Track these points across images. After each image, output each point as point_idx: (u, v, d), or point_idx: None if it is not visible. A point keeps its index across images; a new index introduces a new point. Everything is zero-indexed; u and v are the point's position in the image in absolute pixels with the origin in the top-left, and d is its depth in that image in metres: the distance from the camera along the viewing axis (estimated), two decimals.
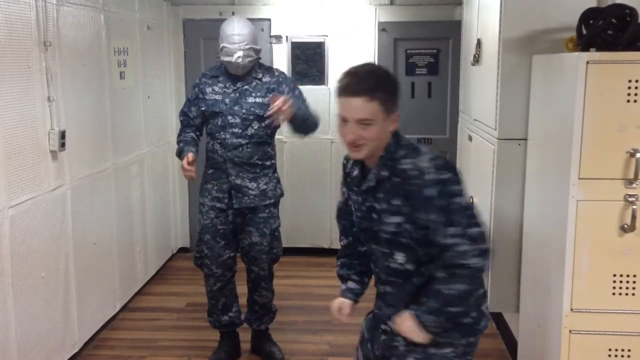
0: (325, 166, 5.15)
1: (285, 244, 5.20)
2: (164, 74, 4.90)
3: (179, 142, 3.30)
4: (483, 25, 3.44)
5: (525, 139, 3.01)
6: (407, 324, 1.91)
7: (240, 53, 3.12)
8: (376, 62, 4.95)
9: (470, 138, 3.82)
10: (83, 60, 3.51)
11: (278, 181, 3.41)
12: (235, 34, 3.13)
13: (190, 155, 3.10)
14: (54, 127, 3.16)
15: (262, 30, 5.04)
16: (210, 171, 3.32)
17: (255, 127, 3.23)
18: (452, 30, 4.74)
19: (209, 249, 3.34)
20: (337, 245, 5.12)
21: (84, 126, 3.53)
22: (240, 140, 3.21)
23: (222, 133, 3.22)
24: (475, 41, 3.55)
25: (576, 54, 2.38)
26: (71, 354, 3.42)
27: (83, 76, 3.52)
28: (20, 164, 2.89)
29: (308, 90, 5.02)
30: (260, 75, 3.27)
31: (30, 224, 2.98)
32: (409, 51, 4.95)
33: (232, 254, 3.39)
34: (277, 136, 5.03)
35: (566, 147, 2.35)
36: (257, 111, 3.20)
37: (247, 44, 3.14)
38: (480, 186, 3.49)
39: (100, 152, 3.76)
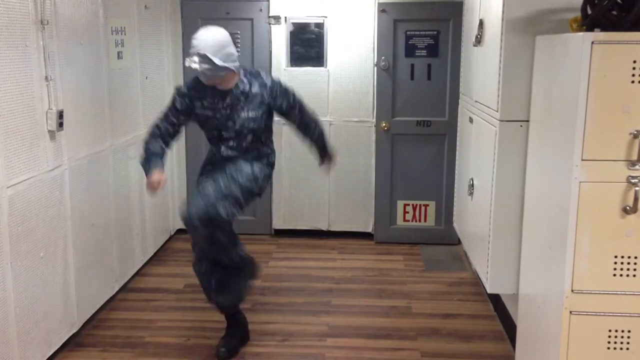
0: None
1: (283, 226, 5.29)
2: (161, 54, 4.85)
3: (146, 149, 3.20)
4: (485, 5, 3.40)
5: (528, 121, 2.99)
6: None
7: (195, 59, 3.01)
8: (376, 44, 4.92)
9: (471, 120, 3.80)
10: (80, 40, 3.47)
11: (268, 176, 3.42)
12: (196, 39, 3.05)
13: (157, 175, 3.07)
14: (52, 106, 3.13)
15: (261, 10, 5.00)
16: (209, 167, 3.38)
17: (250, 139, 3.24)
18: (453, 11, 4.70)
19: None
20: (335, 227, 5.20)
21: (82, 106, 3.50)
22: (235, 152, 3.25)
23: (217, 145, 3.27)
24: (478, 22, 3.52)
25: (581, 34, 2.35)
26: (70, 334, 3.42)
27: (80, 56, 3.47)
28: (18, 144, 2.86)
29: (307, 72, 5.04)
30: (247, 88, 3.19)
31: (29, 204, 2.96)
32: (408, 32, 4.90)
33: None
34: (275, 118, 5.07)
35: (569, 128, 2.34)
36: (251, 125, 3.21)
37: (201, 52, 2.99)
38: (481, 168, 3.49)
39: (98, 133, 3.73)
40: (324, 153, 3.58)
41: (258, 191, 3.34)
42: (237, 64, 3.13)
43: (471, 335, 3.62)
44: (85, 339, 3.54)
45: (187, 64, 3.05)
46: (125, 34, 4.08)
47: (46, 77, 3.08)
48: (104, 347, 3.47)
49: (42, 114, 3.08)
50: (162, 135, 3.22)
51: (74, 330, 3.46)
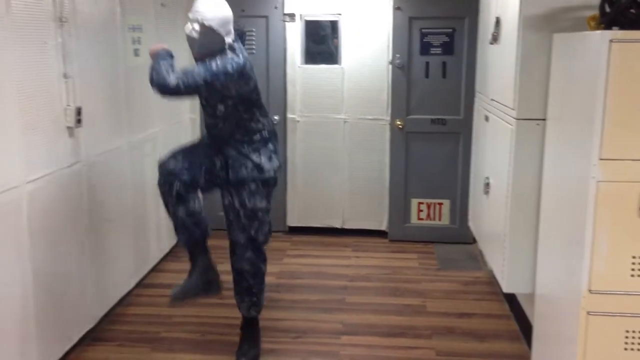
0: (338, 145, 5.14)
1: (297, 223, 5.29)
2: (177, 50, 4.85)
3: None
4: (502, 3, 3.39)
5: (544, 119, 2.98)
6: None
7: (197, 27, 2.93)
8: (390, 41, 4.91)
9: (487, 118, 3.79)
10: (98, 37, 3.49)
11: (272, 152, 3.25)
12: (201, 4, 2.94)
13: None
14: (70, 103, 3.16)
15: (276, 8, 5.00)
16: (206, 140, 3.32)
17: (222, 109, 3.12)
18: (469, 8, 4.68)
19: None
20: (349, 225, 5.19)
21: (99, 103, 3.53)
22: (217, 120, 3.16)
23: (207, 113, 3.22)
24: (494, 19, 3.51)
25: (599, 32, 2.34)
26: (88, 329, 3.45)
27: (98, 53, 3.50)
28: (38, 140, 2.90)
29: (321, 70, 5.05)
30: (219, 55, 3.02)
31: (48, 200, 2.99)
32: (424, 30, 4.89)
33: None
34: (289, 115, 5.11)
35: (587, 127, 2.32)
36: (215, 97, 3.07)
37: (207, 22, 2.91)
38: (497, 166, 3.48)
39: (115, 129, 3.76)
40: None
41: (273, 182, 3.28)
42: (231, 38, 3.03)
43: (486, 335, 3.62)
44: (103, 334, 3.57)
45: (187, 31, 2.96)
46: (142, 32, 4.10)
47: (65, 74, 3.11)
48: (121, 342, 3.51)
49: (61, 111, 3.11)
50: None
51: (92, 325, 3.50)
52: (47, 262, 3.00)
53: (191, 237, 3.18)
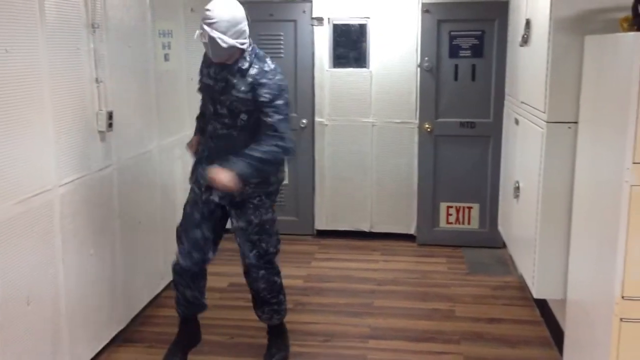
0: (366, 149, 5.13)
1: (325, 227, 5.29)
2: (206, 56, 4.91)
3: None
4: (532, 5, 3.35)
5: (576, 122, 2.93)
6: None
7: (206, 34, 2.78)
8: (419, 44, 4.89)
9: (517, 121, 3.74)
10: (129, 43, 3.55)
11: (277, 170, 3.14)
12: (211, 11, 2.79)
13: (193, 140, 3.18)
14: (102, 108, 3.21)
15: (304, 12, 5.02)
16: (205, 153, 3.11)
17: (244, 119, 2.97)
18: (498, 10, 4.63)
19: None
20: (377, 228, 5.18)
21: (130, 107, 3.58)
22: (230, 130, 3.00)
23: (212, 122, 3.04)
24: (524, 21, 3.47)
25: (632, 34, 2.29)
26: (118, 330, 3.50)
27: (129, 58, 3.56)
28: (70, 144, 2.95)
29: (349, 74, 5.05)
30: (246, 66, 2.91)
31: (79, 203, 3.04)
32: (452, 33, 4.85)
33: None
34: (318, 119, 5.12)
35: (620, 130, 2.28)
36: (240, 106, 2.94)
37: (213, 32, 2.76)
38: (527, 170, 3.43)
39: (145, 133, 3.81)
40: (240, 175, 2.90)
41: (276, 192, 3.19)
42: (246, 41, 2.90)
43: (517, 341, 3.57)
44: (133, 335, 3.62)
45: (195, 37, 2.86)
46: (172, 37, 4.15)
47: (96, 79, 3.16)
48: (150, 343, 3.54)
49: (93, 115, 3.16)
50: (199, 119, 3.27)
51: (122, 326, 3.55)
52: (79, 263, 3.05)
53: (190, 312, 3.29)
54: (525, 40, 3.45)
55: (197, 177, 3.14)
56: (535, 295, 3.26)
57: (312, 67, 5.06)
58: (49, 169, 2.78)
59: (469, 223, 5.10)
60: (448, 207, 5.11)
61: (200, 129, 3.23)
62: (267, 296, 3.25)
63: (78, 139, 3.02)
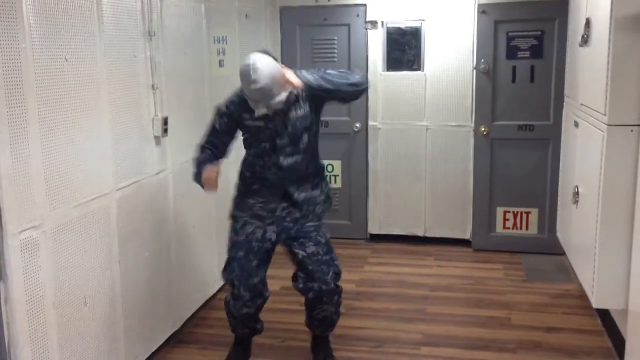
0: (420, 153, 5.06)
1: (379, 231, 5.26)
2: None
3: (196, 161, 3.05)
4: (592, 3, 3.23)
5: (639, 125, 2.80)
6: None
7: (263, 108, 2.80)
8: (475, 46, 4.80)
9: (576, 124, 3.62)
10: (184, 49, 3.62)
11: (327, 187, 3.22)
12: (253, 83, 2.71)
13: (209, 170, 2.95)
14: (158, 113, 3.29)
15: (358, 15, 5.01)
16: (255, 186, 3.09)
17: (306, 140, 3.00)
18: (558, 10, 4.49)
19: (239, 267, 3.11)
20: (431, 233, 5.10)
21: (185, 113, 3.66)
22: (294, 158, 2.99)
23: (272, 157, 2.98)
24: (584, 21, 3.35)
25: None
26: (172, 331, 3.58)
27: (184, 65, 3.63)
28: (127, 149, 3.03)
29: (403, 77, 5.00)
30: (295, 92, 2.92)
31: (135, 206, 3.12)
32: (510, 34, 4.74)
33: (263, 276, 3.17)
34: (371, 123, 5.09)
35: None
36: (303, 124, 2.96)
37: (264, 100, 2.77)
38: (587, 175, 3.31)
39: (199, 138, 3.86)
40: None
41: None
42: (283, 79, 2.84)
43: (576, 351, 3.44)
44: (187, 336, 3.68)
45: (257, 114, 2.83)
46: (226, 43, 4.22)
47: (153, 86, 3.24)
48: (204, 345, 3.60)
49: (149, 121, 3.24)
50: (209, 149, 3.10)
51: (176, 328, 3.62)
52: (134, 265, 3.13)
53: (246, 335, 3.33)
54: (585, 40, 3.34)
55: (256, 212, 3.09)
56: (595, 305, 3.14)
57: (366, 71, 5.04)
58: (106, 173, 2.87)
59: (527, 228, 4.96)
60: (505, 211, 4.99)
61: (210, 159, 3.05)
62: (335, 317, 3.25)
63: (134, 144, 3.10)
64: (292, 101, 2.92)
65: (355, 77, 2.94)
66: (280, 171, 3.00)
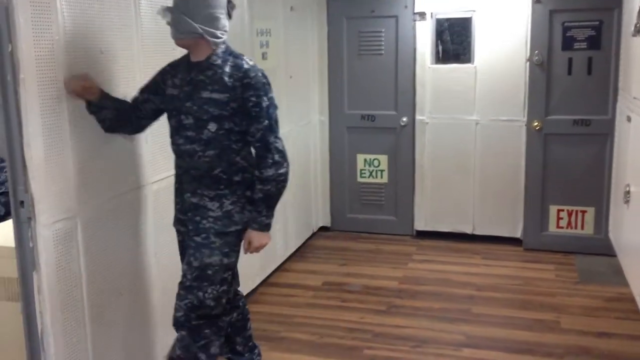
0: (469, 148, 4.92)
1: (425, 227, 5.15)
2: (306, 53, 4.94)
3: None
4: None
5: None
6: None
7: (168, 10, 2.44)
8: (528, 37, 4.61)
9: (629, 118, 3.42)
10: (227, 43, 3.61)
11: (246, 202, 2.64)
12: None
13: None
14: None
15: (406, 7, 4.91)
16: (175, 185, 2.75)
17: (212, 130, 2.50)
18: None
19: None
20: (480, 231, 4.95)
21: None
22: (194, 145, 2.53)
23: (176, 137, 2.59)
24: (637, 9, 3.15)
25: None
26: None
27: None
28: (163, 141, 3.04)
29: (452, 70, 4.86)
30: (219, 62, 2.51)
31: (170, 199, 3.13)
32: (566, 24, 4.53)
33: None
34: (418, 117, 4.98)
35: None
36: (211, 110, 2.48)
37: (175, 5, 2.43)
38: (639, 173, 3.12)
39: None
40: (252, 221, 2.64)
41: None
42: (217, 33, 2.47)
43: (627, 358, 3.26)
44: None
45: (157, 12, 2.50)
46: (270, 35, 4.20)
47: None
48: None
49: None
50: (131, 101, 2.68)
51: None
52: (170, 256, 3.14)
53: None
54: (638, 30, 3.14)
55: (177, 220, 2.77)
56: None
57: (414, 64, 4.93)
58: (142, 166, 2.89)
59: (582, 228, 4.75)
60: (559, 210, 4.79)
61: (113, 99, 2.55)
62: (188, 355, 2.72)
63: (167, 137, 3.10)
64: (205, 69, 2.51)
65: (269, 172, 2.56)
66: (180, 158, 2.62)
